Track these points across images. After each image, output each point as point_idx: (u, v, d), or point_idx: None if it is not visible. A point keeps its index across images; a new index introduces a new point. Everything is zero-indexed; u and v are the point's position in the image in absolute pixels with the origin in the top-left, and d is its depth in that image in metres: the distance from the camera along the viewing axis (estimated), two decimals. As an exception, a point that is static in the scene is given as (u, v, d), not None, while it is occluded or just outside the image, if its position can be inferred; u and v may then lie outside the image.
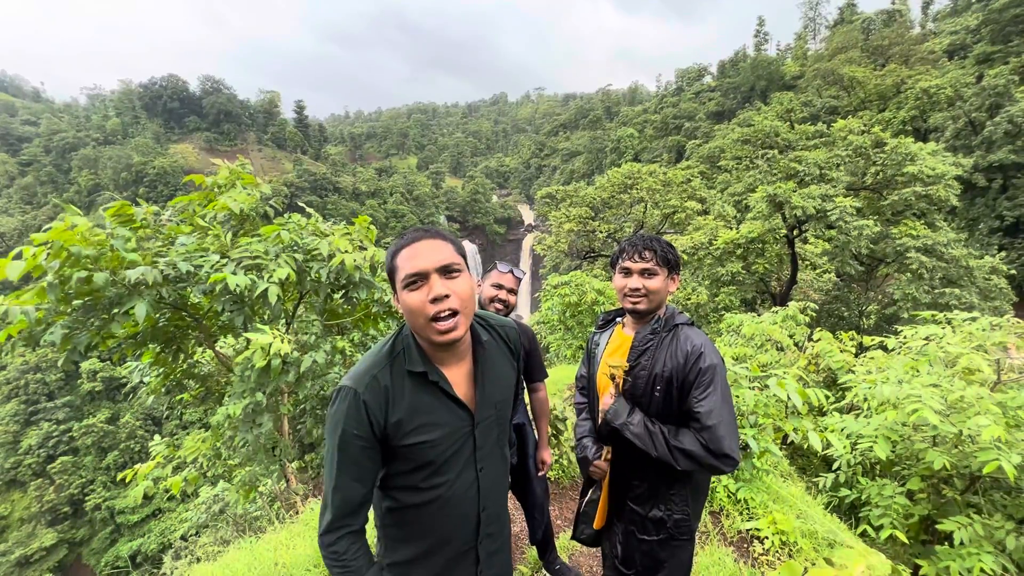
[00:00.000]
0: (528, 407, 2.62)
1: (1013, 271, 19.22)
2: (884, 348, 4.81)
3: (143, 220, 3.41)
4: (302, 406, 4.89)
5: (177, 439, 4.80)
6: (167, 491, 4.19)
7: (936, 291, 14.06)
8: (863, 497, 3.46)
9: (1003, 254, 21.11)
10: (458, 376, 1.24)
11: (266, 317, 3.75)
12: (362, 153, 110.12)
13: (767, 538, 2.88)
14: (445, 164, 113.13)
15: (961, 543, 2.78)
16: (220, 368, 4.38)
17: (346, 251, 3.59)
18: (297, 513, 3.98)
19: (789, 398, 3.07)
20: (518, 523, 3.15)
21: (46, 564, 30.31)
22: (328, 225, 4.06)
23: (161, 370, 4.14)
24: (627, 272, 1.70)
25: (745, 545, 2.95)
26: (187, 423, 30.51)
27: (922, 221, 15.95)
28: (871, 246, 15.43)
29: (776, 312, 6.36)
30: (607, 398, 1.72)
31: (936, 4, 66.42)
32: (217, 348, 4.20)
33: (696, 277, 17.66)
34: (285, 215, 4.01)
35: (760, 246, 16.35)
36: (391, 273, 1.17)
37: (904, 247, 14.86)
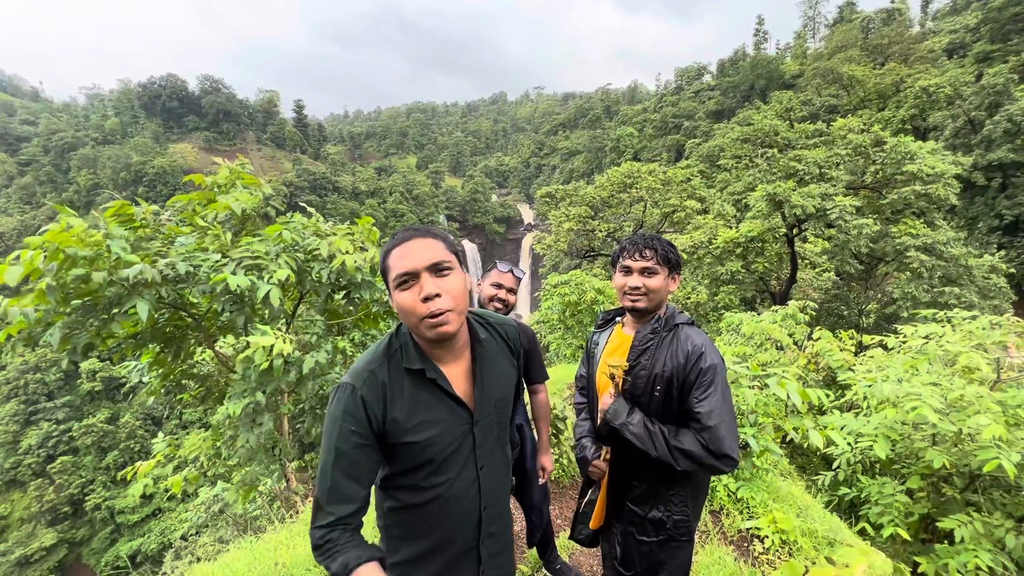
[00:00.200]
0: (528, 409, 2.61)
1: (1012, 270, 19.21)
2: (884, 347, 4.81)
3: (143, 220, 3.40)
4: (302, 405, 4.89)
5: (177, 439, 4.80)
6: (167, 491, 4.19)
7: (935, 290, 14.07)
8: (863, 495, 3.46)
9: (1002, 253, 21.13)
10: (456, 374, 1.24)
11: (266, 316, 3.75)
12: (361, 152, 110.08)
13: (767, 537, 2.88)
14: (444, 163, 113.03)
15: (961, 540, 2.78)
16: (220, 368, 4.38)
17: (347, 252, 3.59)
18: (297, 513, 3.98)
19: (789, 397, 3.07)
20: (518, 522, 3.14)
21: (46, 564, 30.31)
22: (330, 225, 4.06)
23: (160, 370, 4.13)
24: (627, 270, 1.70)
25: (745, 544, 2.95)
26: (187, 423, 30.56)
27: (922, 220, 15.96)
28: (871, 245, 15.44)
29: (776, 311, 6.37)
30: (606, 398, 1.72)
31: (935, 3, 66.48)
32: (217, 348, 4.19)
33: (696, 276, 17.67)
34: (287, 215, 4.00)
35: (760, 245, 16.36)
36: (384, 273, 1.17)
37: (904, 246, 14.87)
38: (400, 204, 79.43)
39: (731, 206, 22.38)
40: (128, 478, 4.35)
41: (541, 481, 2.30)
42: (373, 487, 1.27)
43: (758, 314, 6.65)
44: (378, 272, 3.90)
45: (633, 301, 1.69)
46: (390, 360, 1.19)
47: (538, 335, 9.69)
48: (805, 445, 3.28)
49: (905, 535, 3.02)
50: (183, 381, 4.36)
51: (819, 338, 5.48)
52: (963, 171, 20.12)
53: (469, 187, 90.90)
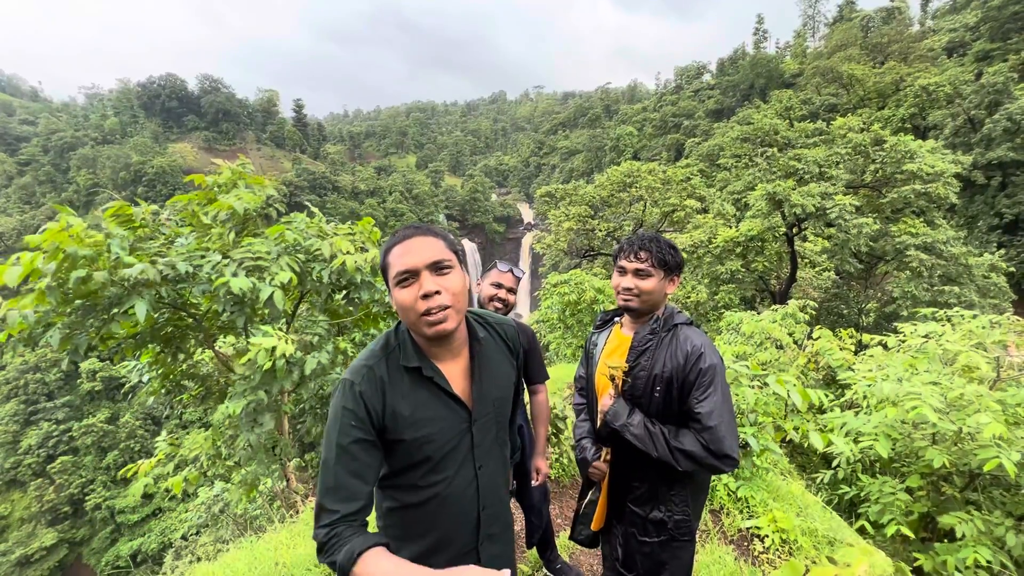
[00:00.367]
0: (528, 410, 2.61)
1: (1012, 269, 19.21)
2: (884, 346, 4.81)
3: (142, 220, 3.40)
4: (302, 405, 4.89)
5: (178, 438, 4.80)
6: (168, 491, 4.19)
7: (935, 289, 14.08)
8: (863, 494, 3.47)
9: (1002, 252, 21.11)
10: (454, 372, 1.24)
11: (266, 317, 3.74)
12: (361, 152, 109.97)
13: (767, 536, 2.88)
14: (444, 163, 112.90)
15: (962, 537, 2.79)
16: (219, 368, 4.38)
17: (348, 252, 3.59)
18: (297, 513, 3.98)
19: (789, 396, 3.08)
20: (518, 522, 3.15)
21: (46, 564, 30.32)
22: (332, 227, 4.05)
23: (160, 370, 4.13)
24: (623, 271, 1.70)
25: (745, 543, 2.95)
26: (187, 422, 30.55)
27: (921, 219, 15.97)
28: (870, 244, 15.45)
29: (776, 310, 6.37)
30: (606, 399, 1.71)
31: (935, 1, 66.36)
32: (216, 347, 4.19)
33: (695, 275, 17.67)
34: (289, 215, 4.00)
35: (759, 244, 16.37)
36: (384, 271, 1.18)
37: (903, 245, 14.87)
38: (400, 203, 79.39)
39: (731, 205, 22.38)
40: (128, 477, 4.35)
41: (535, 483, 2.30)
42: (375, 487, 1.26)
43: (758, 313, 6.66)
44: (378, 272, 3.91)
45: (625, 301, 1.69)
46: (388, 357, 1.19)
47: (538, 334, 9.69)
48: (805, 445, 3.28)
49: (910, 533, 3.02)
50: (183, 381, 4.36)
51: (819, 337, 5.48)
52: (963, 170, 20.13)
53: (469, 186, 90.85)
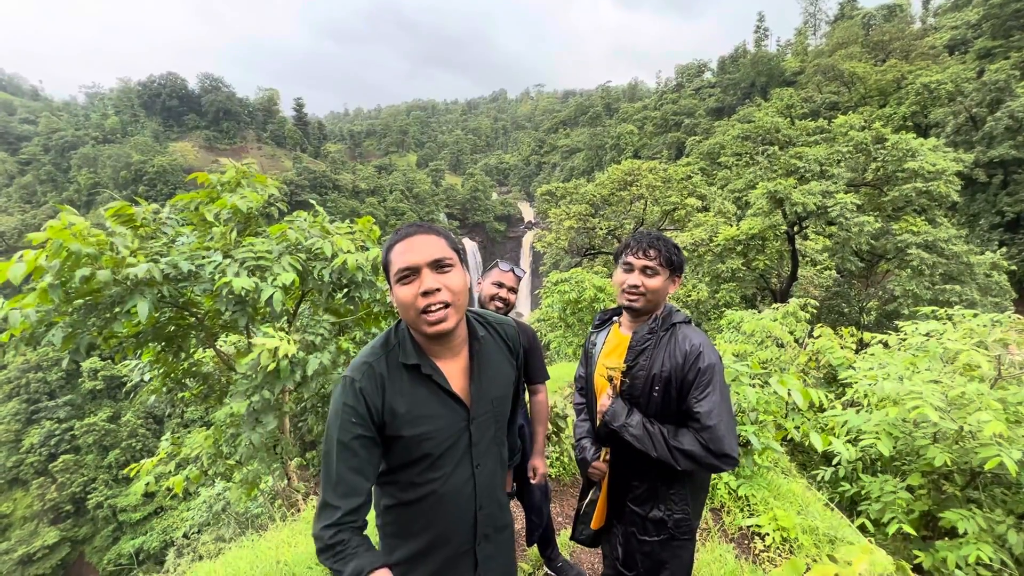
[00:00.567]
0: (528, 409, 2.61)
1: (1014, 267, 19.18)
2: (885, 345, 4.81)
3: (143, 219, 3.41)
4: (303, 404, 4.90)
5: (179, 437, 4.81)
6: (169, 489, 4.20)
7: (936, 287, 14.05)
8: (863, 492, 3.47)
9: (1004, 250, 21.11)
10: (454, 370, 1.25)
11: (267, 316, 3.75)
12: (362, 151, 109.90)
13: (768, 534, 2.88)
14: (445, 161, 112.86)
15: (964, 534, 2.79)
16: (220, 367, 4.39)
17: (348, 251, 3.59)
18: (298, 511, 3.99)
19: (790, 395, 3.08)
20: (519, 521, 3.15)
21: (49, 562, 30.41)
22: (333, 226, 4.06)
23: (162, 369, 4.14)
24: (629, 267, 1.69)
25: (746, 542, 2.96)
26: (188, 421, 30.62)
27: (923, 217, 15.93)
28: (872, 242, 15.42)
29: (777, 309, 6.37)
30: (604, 399, 1.71)
31: (937, -1, 66.15)
32: (217, 346, 4.20)
33: (696, 274, 17.66)
34: (291, 214, 4.00)
35: (760, 243, 16.35)
36: (386, 268, 1.19)
37: (905, 243, 14.84)
38: (400, 202, 79.40)
39: (732, 204, 22.36)
40: (131, 476, 4.36)
41: (533, 482, 2.31)
42: (374, 485, 1.27)
43: (759, 312, 6.66)
44: (379, 271, 3.91)
45: (630, 300, 1.68)
46: (388, 354, 1.20)
47: (539, 333, 9.69)
48: (806, 444, 3.28)
49: (911, 531, 3.02)
50: (184, 380, 4.37)
51: (820, 335, 5.48)
52: (964, 168, 20.06)
53: (469, 185, 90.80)
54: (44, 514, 32.35)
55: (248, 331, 3.85)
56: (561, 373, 7.07)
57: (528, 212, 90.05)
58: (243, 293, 3.12)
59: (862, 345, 5.73)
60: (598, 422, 1.73)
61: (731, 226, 17.88)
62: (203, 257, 3.30)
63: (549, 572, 2.74)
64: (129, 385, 4.51)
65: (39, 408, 36.38)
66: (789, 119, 39.56)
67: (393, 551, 1.27)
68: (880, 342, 4.81)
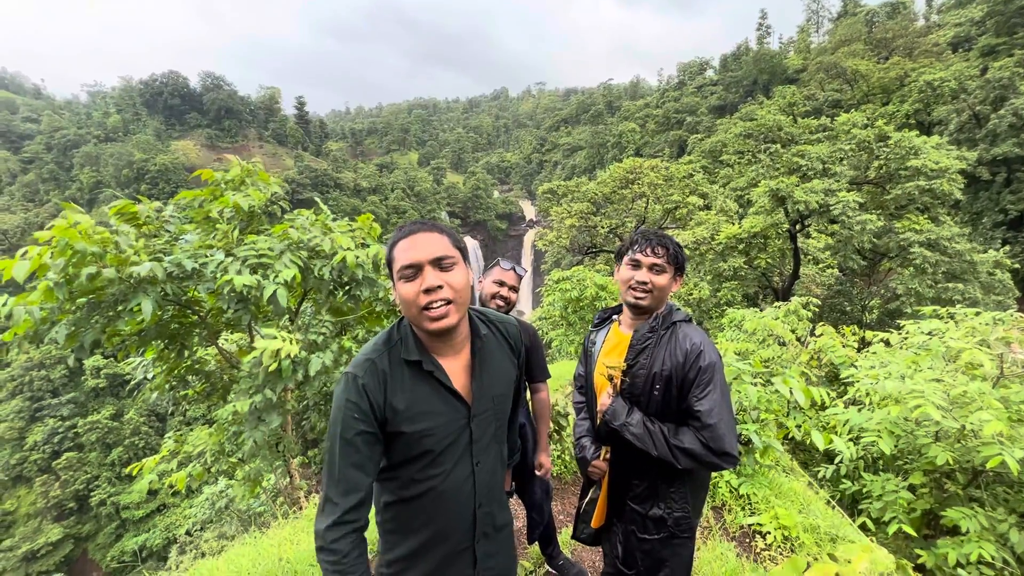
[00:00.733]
0: (529, 407, 2.62)
1: (1017, 265, 19.10)
2: (886, 343, 4.80)
3: (147, 217, 3.41)
4: (306, 402, 4.91)
5: (181, 435, 4.83)
6: (171, 487, 4.22)
7: (939, 286, 14.01)
8: (865, 491, 3.46)
9: (1007, 248, 20.97)
10: (455, 367, 1.26)
11: (269, 314, 3.75)
12: (363, 149, 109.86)
13: (769, 533, 2.89)
14: (446, 160, 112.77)
15: (967, 532, 2.79)
16: (223, 364, 4.40)
17: (348, 248, 3.59)
18: (300, 509, 4.00)
19: (792, 393, 3.07)
20: (521, 519, 3.16)
21: (52, 559, 30.58)
22: (335, 225, 4.06)
23: (165, 366, 4.15)
24: (636, 264, 1.69)
25: (747, 540, 2.96)
26: (191, 419, 30.73)
27: (925, 215, 15.88)
28: (874, 240, 15.37)
29: (778, 307, 6.36)
30: (604, 398, 1.71)
31: (940, -4, 65.80)
32: (220, 344, 4.21)
33: (698, 272, 17.64)
34: (293, 212, 4.01)
35: (762, 241, 16.32)
36: (389, 264, 1.20)
37: (907, 241, 14.79)
38: (402, 201, 79.41)
39: (733, 202, 22.31)
40: (134, 474, 4.38)
41: (538, 473, 2.32)
42: (374, 481, 1.28)
43: (761, 310, 6.65)
44: (379, 268, 3.91)
45: (637, 298, 1.68)
46: (390, 351, 1.21)
47: (540, 331, 9.70)
48: (807, 442, 3.28)
49: (911, 531, 3.02)
50: (187, 377, 4.39)
51: (822, 334, 5.47)
52: (968, 166, 19.97)
53: (471, 183, 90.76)
54: (48, 511, 32.51)
55: (250, 329, 3.86)
56: (562, 371, 7.07)
57: (530, 210, 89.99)
58: (245, 291, 3.13)
59: (864, 344, 5.72)
60: (598, 421, 1.73)
61: (733, 224, 17.86)
62: (206, 255, 3.31)
63: (550, 570, 2.74)
64: (132, 383, 4.53)
65: (42, 406, 36.54)
66: (791, 117, 39.45)
67: (392, 547, 1.28)
68: (882, 340, 4.80)
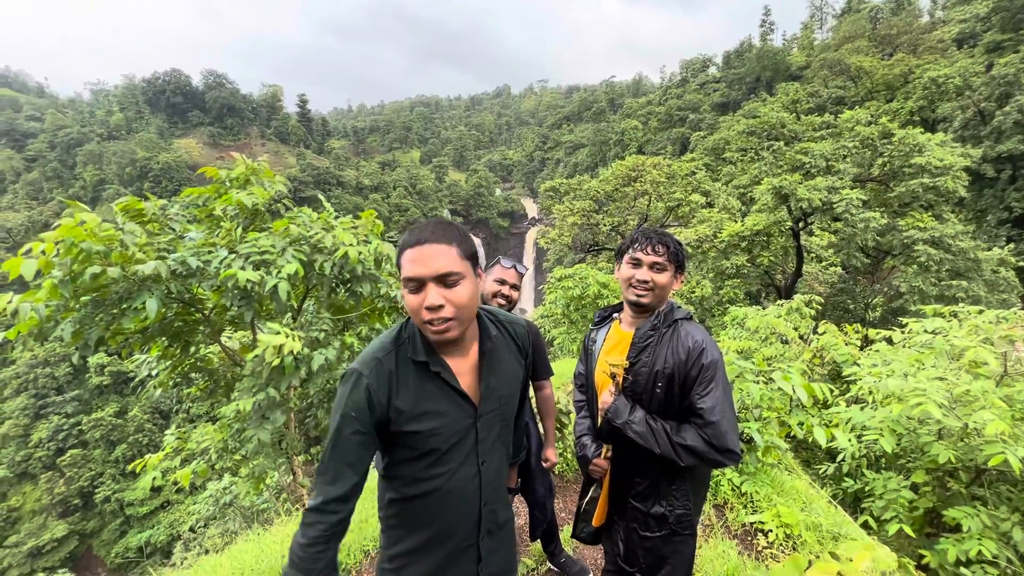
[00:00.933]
0: (532, 404, 2.62)
1: (1022, 263, 19.01)
2: (889, 341, 4.79)
3: (153, 215, 3.43)
4: (309, 400, 4.92)
5: (185, 432, 4.85)
6: (175, 483, 4.24)
7: (943, 284, 13.96)
8: (867, 489, 3.46)
9: (1011, 246, 20.91)
10: (463, 367, 1.26)
11: (272, 311, 3.77)
12: (365, 147, 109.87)
13: (771, 531, 2.89)
14: (448, 157, 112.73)
15: (968, 530, 2.78)
16: (226, 362, 4.41)
17: (350, 244, 3.60)
18: (304, 506, 4.02)
19: (794, 391, 3.07)
20: (523, 516, 3.17)
21: (57, 555, 30.80)
22: (337, 222, 4.07)
23: (169, 364, 4.17)
24: (637, 263, 1.69)
25: (749, 538, 2.96)
26: (194, 416, 30.86)
27: (929, 213, 15.81)
28: (877, 238, 15.31)
29: (781, 305, 6.35)
30: (606, 396, 1.71)
31: (945, -8, 65.36)
32: (223, 341, 4.22)
33: (700, 270, 17.61)
34: (296, 210, 4.01)
35: (765, 239, 16.27)
36: (399, 267, 1.19)
37: (911, 239, 14.73)
38: (404, 199, 79.42)
39: (736, 199, 22.24)
40: (137, 471, 4.40)
41: (545, 466, 2.34)
42: (379, 478, 1.31)
43: (763, 308, 6.64)
44: (381, 264, 3.93)
45: (639, 296, 1.68)
46: (398, 349, 1.21)
47: (542, 329, 9.70)
48: (810, 440, 3.28)
49: (910, 531, 3.01)
50: (191, 375, 4.40)
51: (824, 332, 5.46)
52: (972, 163, 19.89)
53: (473, 181, 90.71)
54: (53, 508, 32.74)
55: (253, 327, 3.87)
56: (565, 369, 7.07)
57: (532, 208, 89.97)
58: (248, 286, 3.14)
59: (867, 342, 5.71)
60: (600, 419, 1.74)
61: (736, 222, 17.81)
62: (209, 253, 3.32)
63: (552, 567, 2.75)
64: (136, 380, 4.55)
65: (47, 403, 36.75)
66: (795, 114, 39.31)
67: (395, 543, 1.29)
68: (885, 338, 4.79)
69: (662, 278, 1.66)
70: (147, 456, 4.47)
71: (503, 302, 2.34)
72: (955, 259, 14.26)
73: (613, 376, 1.70)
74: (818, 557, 2.63)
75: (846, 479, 3.76)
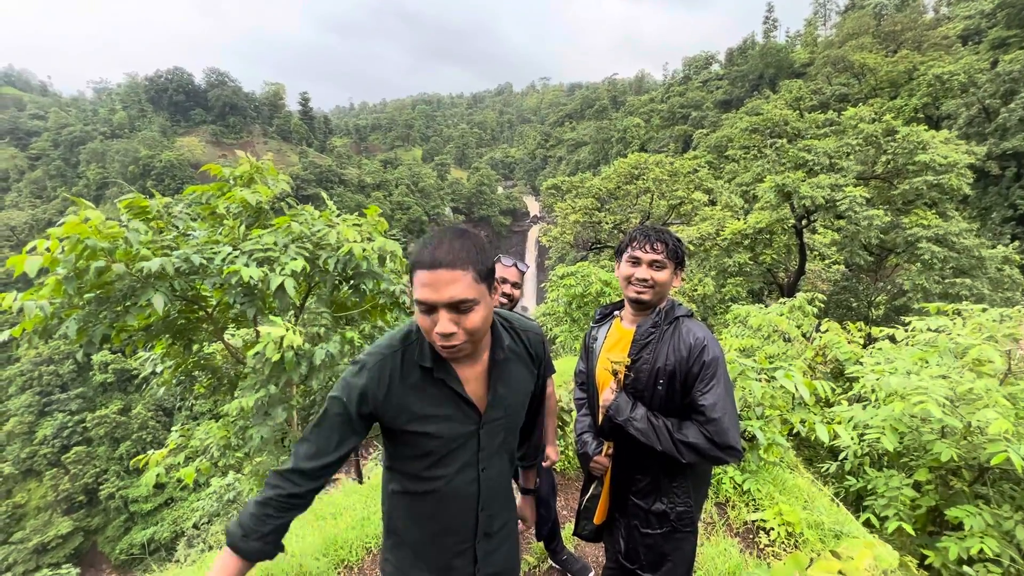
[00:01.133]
0: None
1: (1026, 261, 18.90)
2: (892, 339, 4.77)
3: (157, 212, 3.44)
4: (312, 397, 4.94)
5: (188, 429, 4.87)
6: (179, 480, 4.26)
7: (947, 281, 13.91)
8: (869, 487, 3.46)
9: (1016, 244, 20.78)
10: (471, 375, 1.23)
11: (276, 308, 3.78)
12: (367, 145, 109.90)
13: (773, 529, 2.89)
14: (450, 155, 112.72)
15: (971, 529, 2.78)
16: (229, 359, 4.43)
17: (354, 241, 3.61)
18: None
19: (796, 389, 3.06)
20: (525, 513, 3.17)
21: (62, 551, 31.00)
22: (339, 219, 4.07)
23: (172, 361, 4.19)
24: (636, 261, 1.69)
25: (751, 536, 2.96)
26: (197, 414, 31.00)
27: (933, 211, 15.74)
28: (881, 236, 15.25)
29: (784, 303, 6.32)
30: (608, 393, 1.71)
31: (950, -12, 64.93)
32: (226, 339, 4.24)
33: (703, 268, 17.57)
34: (299, 207, 4.02)
35: (768, 236, 16.22)
36: (411, 282, 1.15)
37: (915, 237, 14.67)
38: (406, 197, 79.40)
39: (739, 197, 22.16)
40: (140, 467, 4.42)
41: (544, 465, 2.33)
42: (383, 469, 1.32)
43: (766, 306, 6.62)
44: (384, 261, 3.93)
45: (638, 293, 1.68)
46: (405, 350, 1.20)
47: (544, 327, 9.70)
48: (812, 438, 3.28)
49: (909, 529, 3.01)
50: (194, 372, 4.42)
51: (827, 330, 5.44)
52: (977, 160, 19.75)
53: (475, 179, 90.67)
54: (58, 504, 32.95)
55: (256, 324, 3.89)
56: (567, 367, 7.06)
57: (534, 206, 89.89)
58: (252, 283, 3.15)
59: (870, 340, 5.69)
60: (601, 416, 1.74)
61: (738, 220, 17.75)
62: (212, 250, 3.33)
63: (554, 565, 2.76)
64: (140, 378, 4.57)
65: (52, 400, 36.98)
66: (798, 111, 39.14)
67: (395, 537, 1.30)
68: (887, 337, 4.78)
69: (661, 275, 1.66)
70: (150, 452, 4.50)
71: (505, 301, 2.33)
72: (959, 257, 14.20)
73: (614, 373, 1.69)
74: (819, 555, 2.63)
75: (848, 477, 3.75)
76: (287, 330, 3.22)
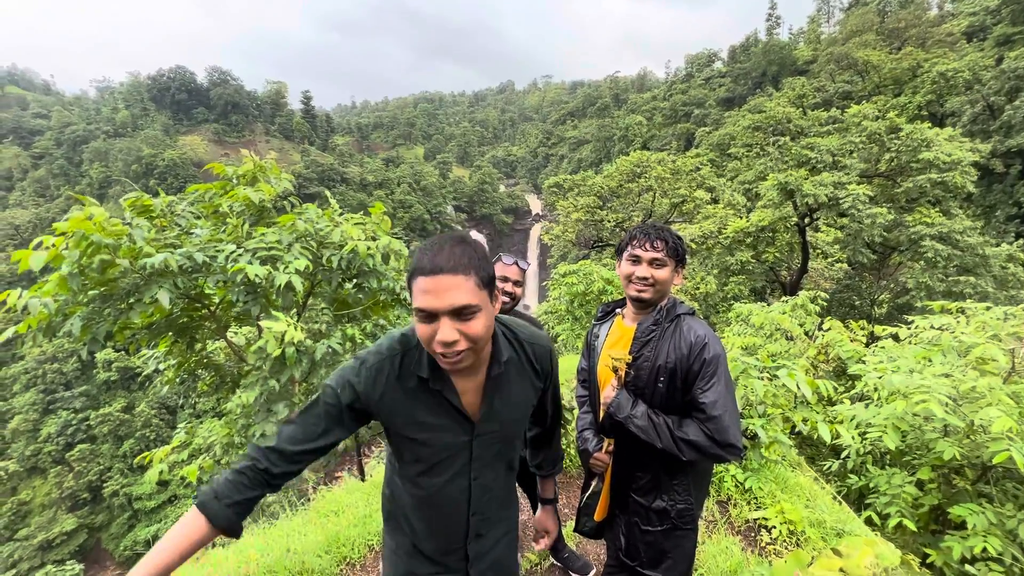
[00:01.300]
0: None
1: (1030, 259, 18.80)
2: (895, 338, 4.75)
3: (161, 210, 3.45)
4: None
5: (192, 427, 4.89)
6: (183, 478, 4.28)
7: (950, 280, 13.86)
8: (871, 485, 3.45)
9: (1020, 241, 20.67)
10: (468, 386, 1.21)
11: (279, 306, 3.79)
12: (369, 143, 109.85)
13: (774, 527, 2.89)
14: (452, 154, 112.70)
15: (974, 527, 2.77)
16: (232, 357, 4.45)
17: (359, 239, 3.61)
18: (308, 500, 4.05)
19: (799, 388, 3.06)
20: (526, 512, 3.18)
21: (67, 548, 31.17)
22: (343, 218, 4.08)
23: (175, 360, 4.20)
24: (636, 260, 1.69)
25: (752, 534, 2.96)
26: (200, 412, 31.11)
27: (937, 208, 15.68)
28: (884, 234, 15.20)
29: (786, 301, 6.32)
30: (609, 390, 1.71)
31: (955, -16, 64.56)
32: (229, 337, 4.25)
33: (705, 266, 17.54)
34: (302, 206, 4.03)
35: (770, 235, 16.19)
36: (409, 289, 1.12)
37: (918, 235, 14.62)
38: (408, 195, 79.40)
39: (741, 195, 22.13)
40: (144, 464, 4.45)
41: None
42: (386, 462, 1.34)
43: (768, 304, 6.61)
44: (388, 259, 3.94)
45: (639, 291, 1.68)
46: (404, 355, 1.18)
47: (546, 326, 9.70)
48: (814, 436, 3.27)
49: (911, 525, 3.00)
50: (197, 370, 4.43)
51: (830, 328, 5.43)
52: (981, 158, 19.69)
53: (477, 177, 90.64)
54: (62, 502, 33.13)
55: (259, 321, 3.90)
56: (569, 365, 7.06)
57: (536, 204, 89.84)
58: (256, 280, 3.16)
59: (873, 338, 5.67)
60: (602, 414, 1.74)
61: (741, 218, 17.71)
62: (215, 248, 3.34)
63: (555, 562, 2.77)
64: (143, 376, 4.59)
65: (56, 398, 37.15)
66: (801, 109, 39.00)
67: (391, 533, 1.33)
68: (890, 335, 4.76)
69: (662, 273, 1.66)
70: (154, 450, 4.52)
71: (506, 300, 2.32)
72: (963, 255, 14.14)
73: (615, 371, 1.70)
74: (821, 553, 2.63)
75: (850, 476, 3.74)
76: (289, 326, 3.23)
